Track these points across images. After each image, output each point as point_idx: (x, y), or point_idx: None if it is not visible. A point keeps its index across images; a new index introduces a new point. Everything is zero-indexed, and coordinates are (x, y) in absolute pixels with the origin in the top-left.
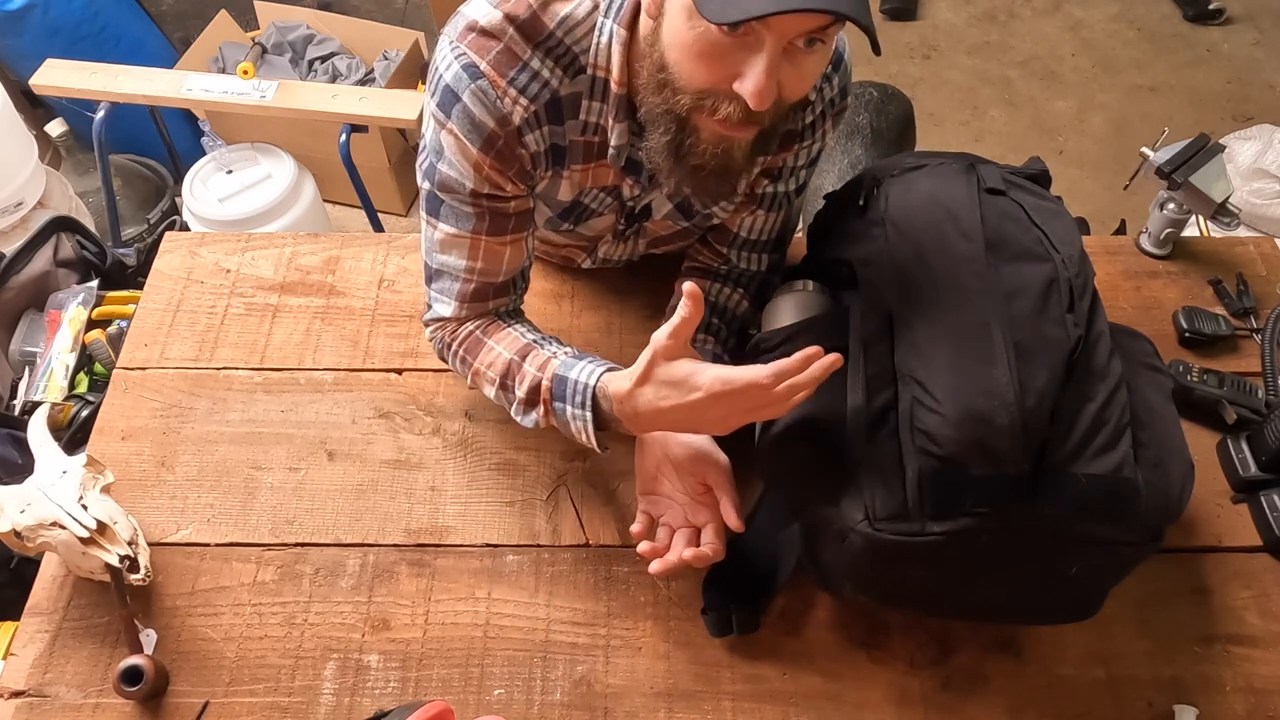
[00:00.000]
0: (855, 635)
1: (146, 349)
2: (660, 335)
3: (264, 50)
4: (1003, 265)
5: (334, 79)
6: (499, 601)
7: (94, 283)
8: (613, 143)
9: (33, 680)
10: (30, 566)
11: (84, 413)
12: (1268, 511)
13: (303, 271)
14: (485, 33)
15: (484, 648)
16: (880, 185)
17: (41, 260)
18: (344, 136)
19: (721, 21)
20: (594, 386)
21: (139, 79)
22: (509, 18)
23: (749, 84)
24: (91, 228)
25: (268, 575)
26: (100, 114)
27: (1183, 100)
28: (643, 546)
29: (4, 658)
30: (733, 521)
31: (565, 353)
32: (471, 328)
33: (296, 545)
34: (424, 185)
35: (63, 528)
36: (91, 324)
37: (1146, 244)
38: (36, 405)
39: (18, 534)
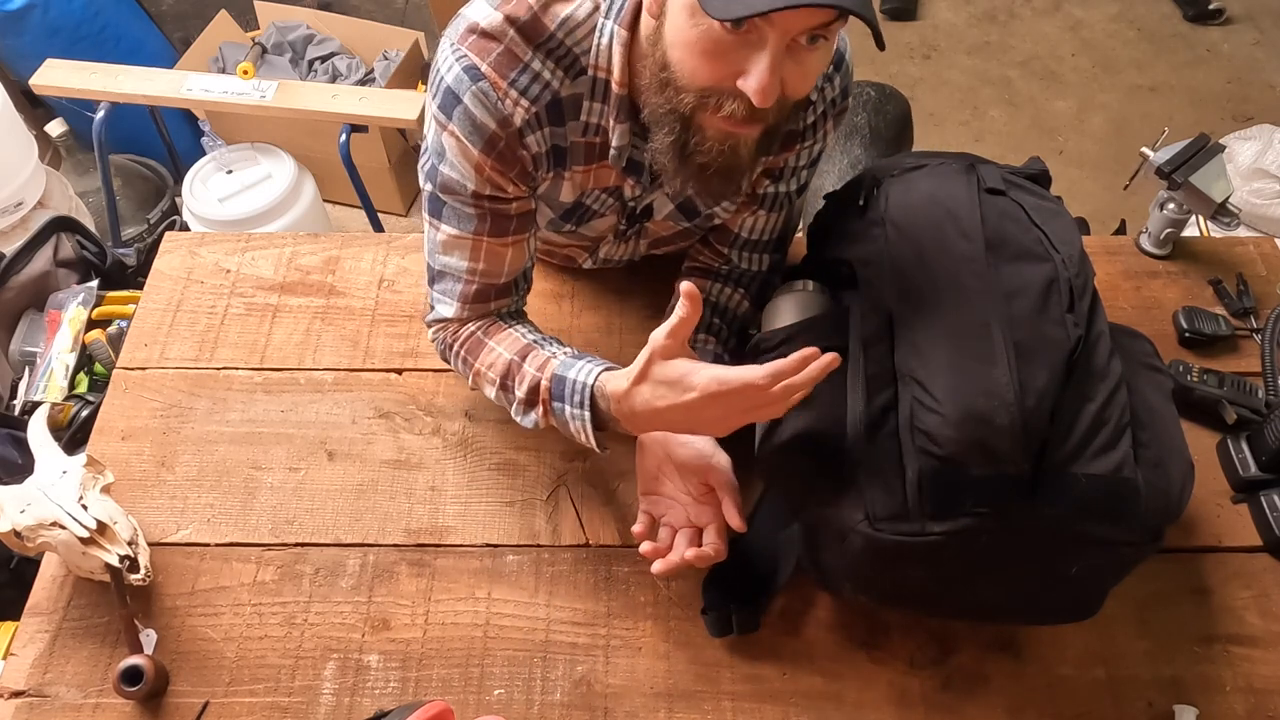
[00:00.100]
0: (855, 635)
1: (146, 349)
2: (658, 335)
3: (264, 50)
4: (1003, 265)
5: (334, 79)
6: (499, 601)
7: (94, 283)
8: (614, 144)
9: (33, 680)
10: (30, 566)
11: (84, 413)
12: (1268, 511)
13: (303, 271)
14: (486, 34)
15: (484, 648)
16: (880, 185)
17: (41, 260)
18: (344, 136)
19: (725, 18)
20: (592, 386)
21: (139, 79)
22: (510, 19)
23: (753, 81)
24: (91, 228)
25: (268, 575)
26: (100, 114)
27: (1183, 100)
28: (645, 547)
29: (4, 658)
30: (735, 521)
31: (565, 353)
32: (473, 329)
33: (296, 545)
34: (426, 187)
35: (63, 528)
36: (91, 324)
37: (1146, 244)
38: (36, 405)
39: (18, 534)
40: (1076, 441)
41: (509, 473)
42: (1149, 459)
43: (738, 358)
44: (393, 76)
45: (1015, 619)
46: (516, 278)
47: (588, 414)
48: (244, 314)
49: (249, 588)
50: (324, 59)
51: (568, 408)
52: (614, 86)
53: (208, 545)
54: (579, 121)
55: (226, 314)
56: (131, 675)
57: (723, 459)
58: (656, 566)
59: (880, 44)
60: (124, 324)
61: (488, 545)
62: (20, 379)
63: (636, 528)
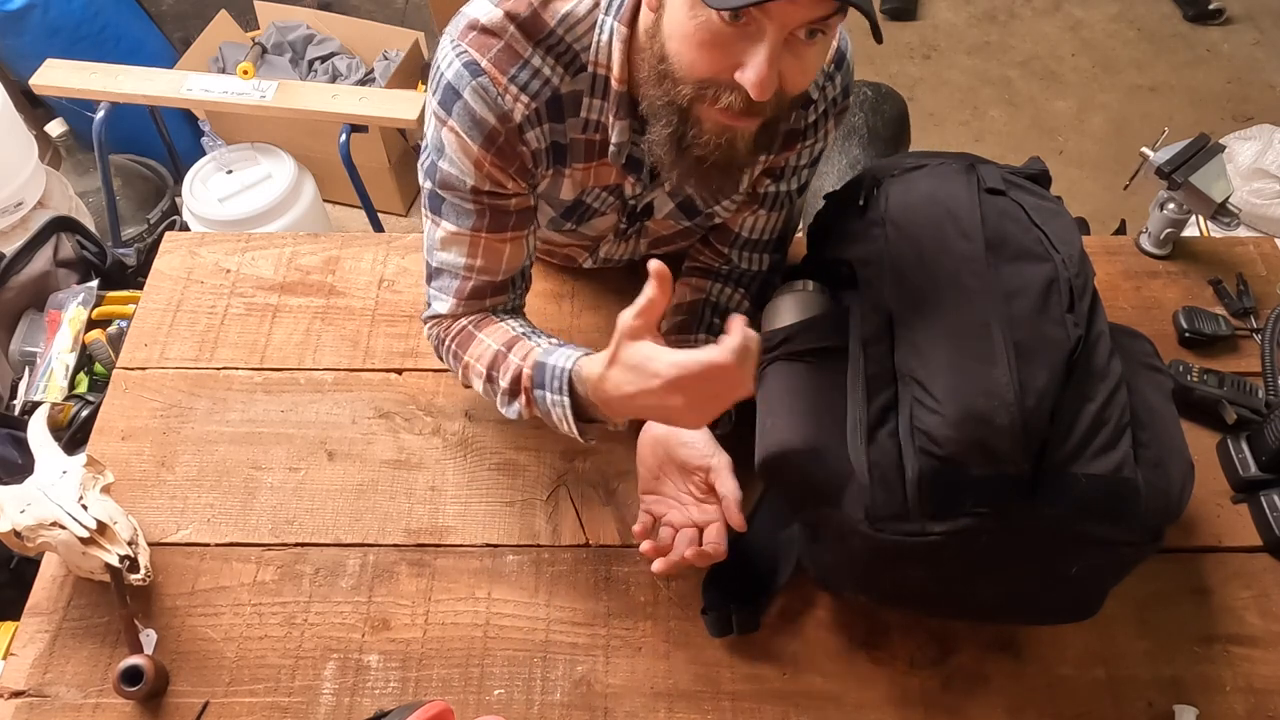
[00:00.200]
0: (855, 635)
1: (146, 349)
2: (625, 316)
3: (264, 50)
4: (1003, 265)
5: (334, 79)
6: (499, 601)
7: (94, 283)
8: (613, 140)
9: (33, 680)
10: (30, 566)
11: (84, 413)
12: (1268, 511)
13: (303, 271)
14: (486, 31)
15: (484, 648)
16: (880, 185)
17: (41, 260)
18: (344, 136)
19: (723, 8)
20: (570, 370)
21: (139, 79)
22: (510, 16)
23: (750, 73)
24: (91, 228)
25: (268, 575)
26: (100, 114)
27: (1183, 100)
28: (645, 545)
29: (4, 658)
30: (735, 520)
31: (551, 342)
32: (465, 323)
33: (296, 545)
34: (425, 184)
35: (63, 528)
36: (91, 324)
37: (1146, 244)
38: (36, 405)
39: (18, 534)
40: (1076, 441)
41: (509, 473)
42: (1149, 459)
43: None
44: (393, 76)
45: (1015, 619)
46: (514, 275)
47: (567, 399)
48: (244, 314)
49: (249, 588)
50: (324, 59)
51: (548, 394)
52: (613, 83)
53: (208, 545)
54: (579, 118)
55: (226, 314)
56: (131, 675)
57: (723, 459)
58: (657, 565)
59: (878, 38)
60: (124, 324)
61: (488, 545)
62: (20, 379)
63: (637, 527)
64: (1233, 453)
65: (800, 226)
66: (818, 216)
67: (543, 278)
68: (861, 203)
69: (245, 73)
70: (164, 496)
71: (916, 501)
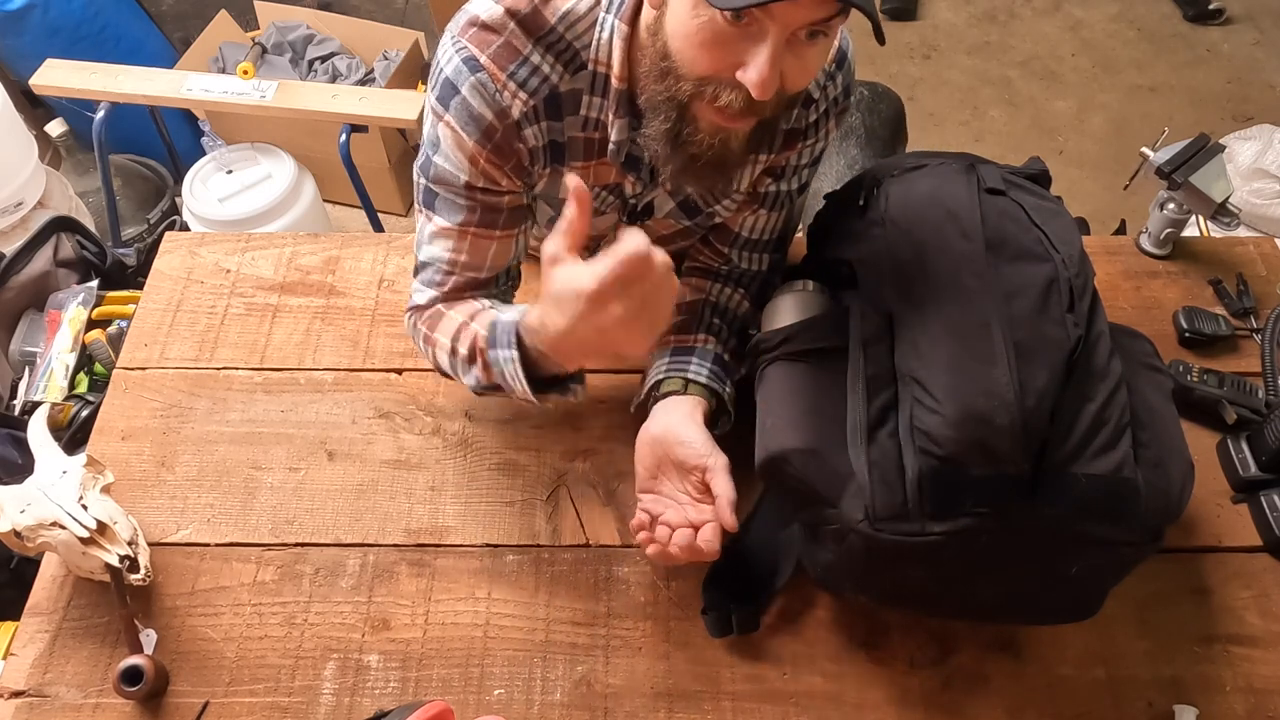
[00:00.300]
0: (855, 635)
1: (146, 349)
2: (547, 244)
3: (264, 50)
4: (1003, 265)
5: (334, 79)
6: (499, 601)
7: (94, 283)
8: (613, 138)
9: (33, 680)
10: (30, 566)
11: (84, 413)
12: (1268, 511)
13: (303, 271)
14: (486, 27)
15: (484, 648)
16: (880, 185)
17: (41, 260)
18: (344, 136)
19: (726, 7)
20: (518, 322)
21: (139, 79)
22: (510, 12)
23: (752, 73)
24: (91, 228)
25: (268, 575)
26: (100, 114)
27: (1183, 100)
28: (641, 535)
29: (4, 658)
30: (727, 521)
31: (510, 307)
32: (439, 306)
33: (296, 545)
34: (420, 179)
35: (63, 528)
36: (91, 324)
37: (1146, 244)
38: (36, 405)
39: (18, 534)
40: (1076, 441)
41: (509, 473)
42: (1149, 459)
43: (738, 358)
44: (393, 76)
45: (1015, 619)
46: (498, 274)
47: (515, 354)
48: (244, 314)
49: (249, 588)
50: (324, 59)
51: (499, 352)
52: (614, 81)
53: (208, 545)
54: (578, 116)
55: (226, 314)
56: (131, 675)
57: (720, 459)
58: (650, 549)
59: (880, 39)
60: (124, 324)
61: (488, 545)
62: (20, 379)
63: (634, 521)
64: (1233, 453)
65: (800, 226)
66: (818, 216)
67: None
68: (861, 203)
69: (245, 73)
70: (164, 496)
71: (916, 501)
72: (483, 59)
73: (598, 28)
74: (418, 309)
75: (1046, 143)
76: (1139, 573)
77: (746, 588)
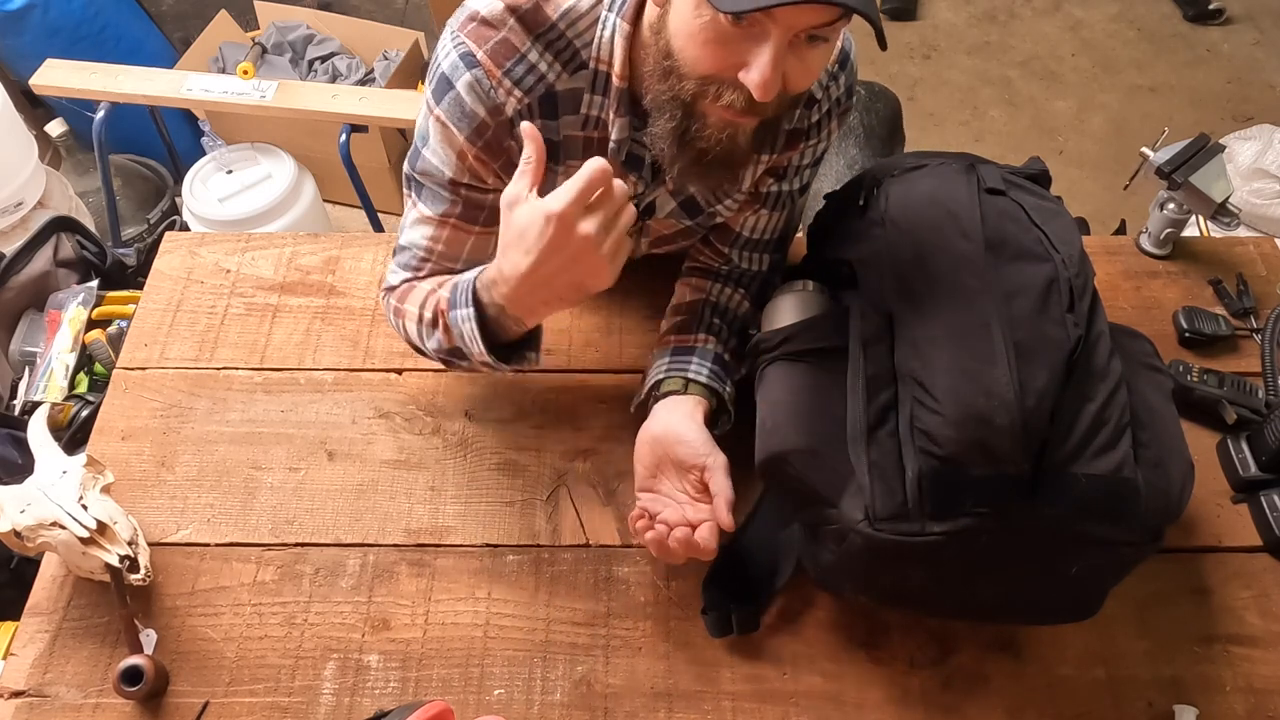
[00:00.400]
0: (855, 635)
1: (146, 349)
2: (506, 190)
3: (264, 50)
4: (1003, 265)
5: (334, 79)
6: (499, 601)
7: (94, 283)
8: (613, 137)
9: (33, 680)
10: (30, 566)
11: (84, 413)
12: (1268, 511)
13: (303, 271)
14: (486, 22)
15: (484, 648)
16: (880, 185)
17: (41, 260)
18: (344, 136)
19: (729, 10)
20: (473, 280)
21: (139, 79)
22: (511, 8)
23: (754, 75)
24: (91, 228)
25: (268, 575)
26: (100, 114)
27: (1183, 100)
28: (640, 524)
29: (4, 658)
30: (724, 520)
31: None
32: (412, 282)
33: (296, 545)
34: (406, 169)
35: (63, 528)
36: (91, 324)
37: (1146, 244)
38: (36, 405)
39: (18, 534)
40: (1076, 441)
41: (509, 473)
42: (1149, 459)
43: (738, 358)
44: (393, 76)
45: (1015, 619)
46: (472, 268)
47: (472, 311)
48: (244, 314)
49: (249, 588)
50: (324, 59)
51: (458, 313)
52: (615, 80)
53: (208, 545)
54: (577, 115)
55: (226, 314)
56: (131, 675)
57: (719, 459)
58: (648, 535)
59: (883, 44)
60: (124, 324)
61: (488, 545)
62: (20, 379)
63: (633, 514)
64: (1233, 453)
65: (800, 226)
66: (818, 216)
67: None
68: (861, 203)
69: (245, 73)
70: (164, 496)
71: (916, 501)
72: (480, 55)
73: (600, 26)
74: (390, 289)
75: (1046, 143)
76: (1139, 573)
77: (746, 588)
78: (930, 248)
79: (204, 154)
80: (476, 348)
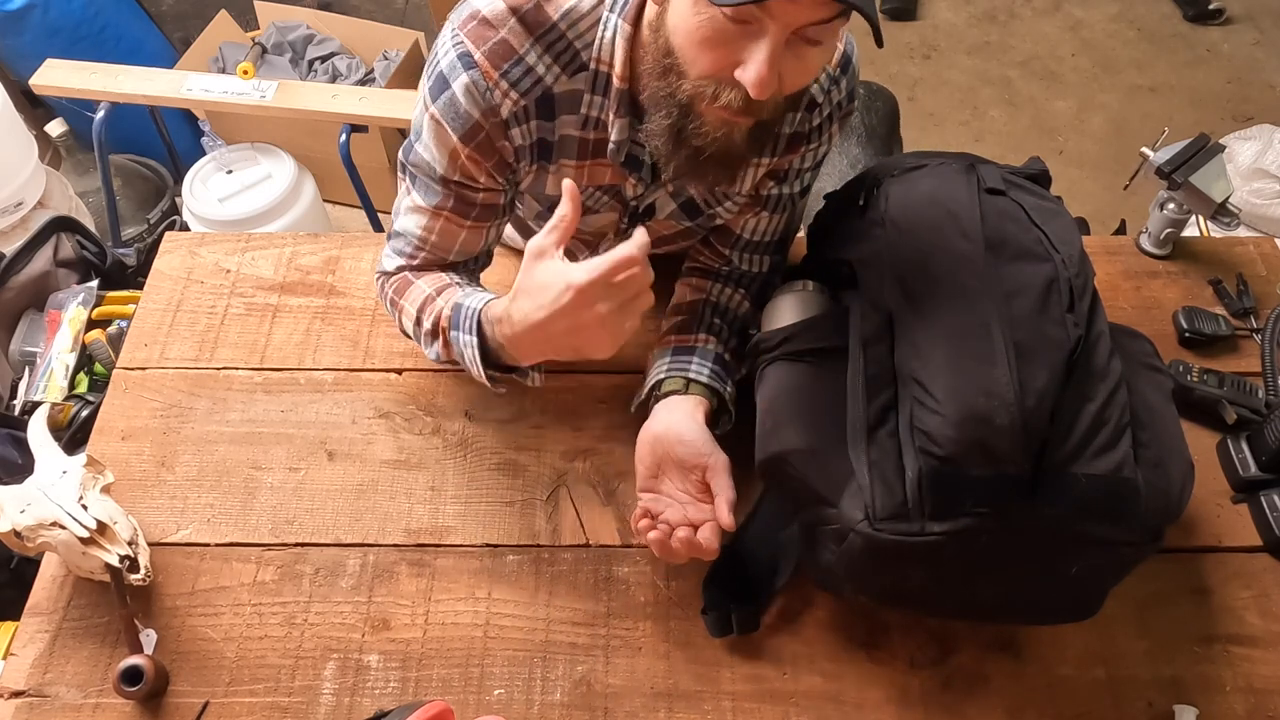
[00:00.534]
0: (855, 635)
1: (146, 349)
2: (534, 239)
3: (264, 50)
4: (1003, 265)
5: (334, 79)
6: (499, 601)
7: (94, 283)
8: (613, 138)
9: (33, 680)
10: (30, 566)
11: (84, 413)
12: (1268, 511)
13: (303, 271)
14: (486, 22)
15: (484, 648)
16: (880, 185)
17: (41, 260)
18: (344, 136)
19: (725, 4)
20: (480, 310)
21: (139, 79)
22: (512, 8)
23: (750, 72)
24: (91, 228)
25: (268, 575)
26: (100, 114)
27: (1183, 100)
28: (643, 523)
29: (4, 658)
30: (725, 520)
31: (477, 289)
32: (407, 273)
33: (296, 545)
34: (401, 157)
35: (63, 528)
36: (91, 324)
37: (1146, 244)
38: (36, 405)
39: (18, 534)
40: (1076, 441)
41: (509, 473)
42: (1149, 459)
43: (738, 358)
44: (393, 76)
45: (1015, 619)
46: (467, 259)
47: (475, 339)
48: (244, 314)
49: (249, 588)
50: (324, 59)
51: (460, 335)
52: (615, 81)
53: (208, 545)
54: (576, 115)
55: (226, 314)
56: (131, 675)
57: (720, 458)
58: (651, 535)
59: (879, 41)
60: (124, 324)
61: (488, 545)
62: (20, 379)
63: (635, 514)
64: (1233, 453)
65: (800, 227)
66: (818, 216)
67: None
68: (861, 203)
69: (245, 73)
70: (164, 496)
71: (916, 501)
72: (477, 56)
73: (601, 26)
74: (385, 274)
75: (1046, 143)
76: (1139, 573)
77: (746, 588)
78: (930, 248)
79: (204, 154)
80: (477, 370)
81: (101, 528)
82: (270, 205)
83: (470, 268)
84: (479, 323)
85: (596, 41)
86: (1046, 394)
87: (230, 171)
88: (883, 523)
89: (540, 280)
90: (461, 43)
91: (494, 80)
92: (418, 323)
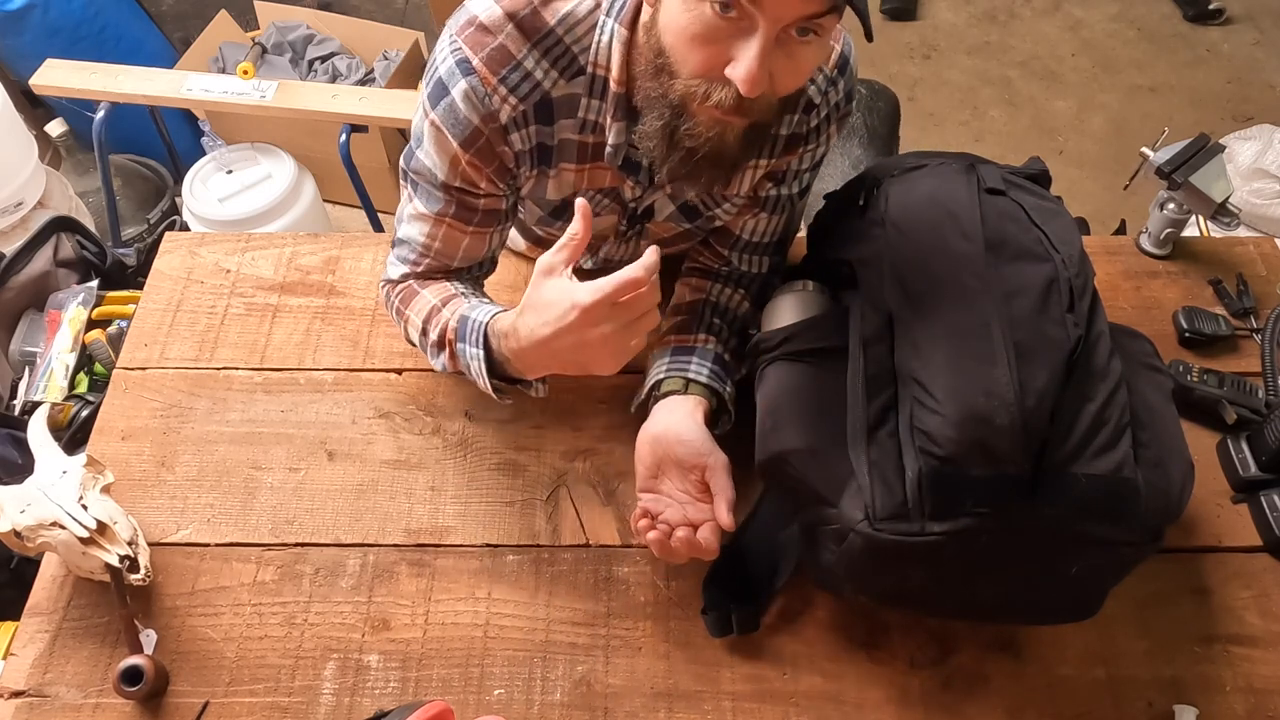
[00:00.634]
0: (855, 635)
1: (146, 349)
2: (544, 256)
3: (264, 50)
4: (1003, 265)
5: (334, 79)
6: (499, 601)
7: (94, 283)
8: (610, 142)
9: (33, 680)
10: (30, 566)
11: (84, 413)
12: (1268, 511)
13: (303, 271)
14: (484, 28)
15: (484, 648)
16: (880, 185)
17: (41, 260)
18: (344, 136)
19: None
20: (486, 324)
21: (139, 79)
22: (509, 14)
23: (741, 69)
24: (91, 228)
25: (268, 575)
26: (100, 114)
27: (1183, 100)
28: (642, 523)
29: (4, 658)
30: (724, 519)
31: (482, 301)
32: (412, 281)
33: (296, 545)
34: (402, 164)
35: (63, 528)
36: (91, 324)
37: (1146, 244)
38: (36, 405)
39: (18, 534)
40: (1076, 441)
41: (509, 473)
42: (1149, 459)
43: (738, 358)
44: (393, 76)
45: (1015, 619)
46: (471, 265)
47: (482, 353)
48: (244, 314)
49: (249, 588)
50: (324, 59)
51: (467, 348)
52: (612, 85)
53: (208, 545)
54: (575, 119)
55: (226, 314)
56: (131, 675)
57: (720, 458)
58: (651, 535)
59: (869, 35)
60: (124, 324)
61: (488, 545)
62: (20, 379)
63: (635, 514)
64: (1233, 453)
65: (800, 227)
66: (818, 216)
67: None
68: (861, 203)
69: (245, 73)
70: (164, 496)
71: (916, 501)
72: (475, 62)
73: (597, 30)
74: (391, 282)
75: (1046, 143)
76: (1139, 573)
77: (746, 588)
78: (930, 248)
79: (204, 154)
80: (483, 381)
81: (101, 528)
82: (270, 205)
83: (474, 274)
84: (485, 336)
85: (593, 46)
86: (1046, 394)
87: (230, 171)
88: (883, 523)
89: (547, 298)
90: (459, 49)
91: (492, 86)
92: (424, 333)
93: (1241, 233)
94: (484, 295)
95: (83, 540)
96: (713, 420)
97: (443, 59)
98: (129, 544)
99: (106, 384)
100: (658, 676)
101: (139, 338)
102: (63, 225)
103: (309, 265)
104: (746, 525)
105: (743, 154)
